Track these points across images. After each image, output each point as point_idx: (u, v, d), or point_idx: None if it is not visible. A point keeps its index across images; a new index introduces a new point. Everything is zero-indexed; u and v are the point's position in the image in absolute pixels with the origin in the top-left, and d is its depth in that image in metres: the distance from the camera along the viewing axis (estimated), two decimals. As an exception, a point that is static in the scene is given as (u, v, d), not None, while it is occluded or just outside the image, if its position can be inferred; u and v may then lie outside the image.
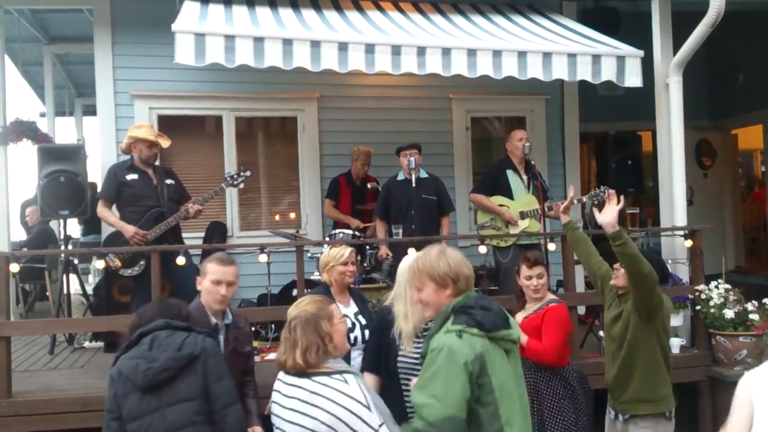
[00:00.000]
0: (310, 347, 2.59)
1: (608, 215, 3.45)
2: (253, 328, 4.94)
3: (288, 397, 2.58)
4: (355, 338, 3.79)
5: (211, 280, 3.42)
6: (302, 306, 2.72)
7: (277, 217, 7.40)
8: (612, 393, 3.81)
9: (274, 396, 2.68)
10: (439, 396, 2.40)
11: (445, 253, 2.68)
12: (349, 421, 2.48)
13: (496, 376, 2.48)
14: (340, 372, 2.60)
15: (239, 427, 2.93)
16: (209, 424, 2.85)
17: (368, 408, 2.53)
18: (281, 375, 2.69)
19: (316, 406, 2.49)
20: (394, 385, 3.35)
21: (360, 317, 3.93)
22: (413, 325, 3.30)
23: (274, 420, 2.67)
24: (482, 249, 5.50)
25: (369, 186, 6.61)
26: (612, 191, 3.81)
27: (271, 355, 5.48)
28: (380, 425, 2.54)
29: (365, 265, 5.92)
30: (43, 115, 10.80)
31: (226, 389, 2.90)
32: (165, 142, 5.57)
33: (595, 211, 3.60)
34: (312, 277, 5.96)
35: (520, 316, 4.08)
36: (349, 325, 3.69)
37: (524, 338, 3.82)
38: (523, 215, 5.83)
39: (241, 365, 3.53)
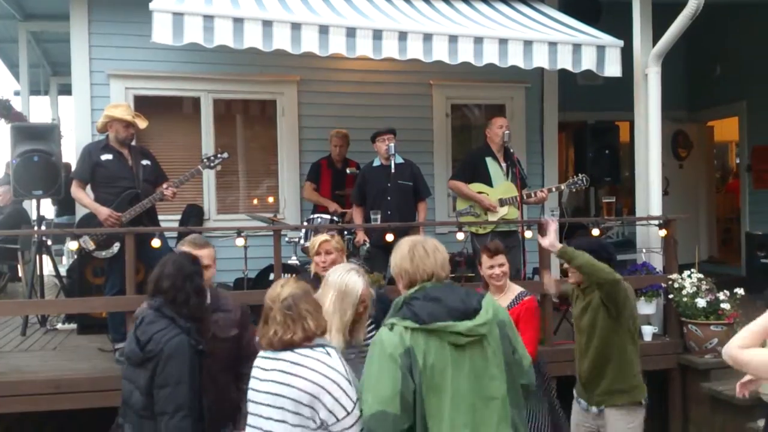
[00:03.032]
0: (319, 318, 2.68)
1: (547, 239, 3.76)
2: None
3: (267, 370, 2.61)
4: None
5: None
6: (290, 285, 2.74)
7: (255, 201, 7.36)
8: (585, 386, 3.85)
9: (255, 373, 2.69)
10: (370, 391, 2.44)
11: (397, 249, 2.75)
12: (332, 390, 2.51)
13: (426, 371, 2.44)
14: (322, 345, 2.65)
15: None
16: (152, 419, 2.89)
17: (349, 381, 2.56)
18: (261, 353, 2.71)
19: (298, 376, 2.52)
20: None
21: None
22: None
23: (252, 396, 2.66)
24: (460, 236, 5.54)
25: (348, 171, 6.58)
26: (547, 220, 3.98)
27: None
28: (357, 400, 2.56)
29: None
30: (17, 93, 10.60)
31: (165, 398, 2.85)
32: (142, 123, 5.50)
33: (539, 237, 3.83)
34: (289, 262, 5.95)
35: None
36: None
37: None
38: (502, 202, 5.85)
39: (226, 351, 3.38)
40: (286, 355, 2.60)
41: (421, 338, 2.47)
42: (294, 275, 3.12)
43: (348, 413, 2.51)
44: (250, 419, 2.68)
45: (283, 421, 2.53)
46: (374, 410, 2.39)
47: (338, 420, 2.49)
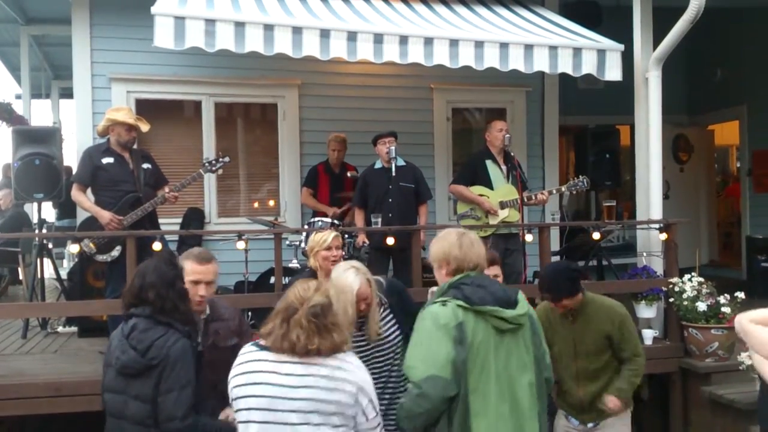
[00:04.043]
0: (342, 332, 2.67)
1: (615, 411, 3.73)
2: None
3: (301, 375, 2.53)
4: None
5: (189, 281, 3.19)
6: (322, 291, 2.69)
7: (256, 205, 7.37)
8: (584, 408, 3.82)
9: (267, 378, 2.55)
10: (422, 357, 2.58)
11: (444, 237, 2.91)
12: (369, 391, 2.59)
13: (474, 347, 2.60)
14: (344, 351, 2.69)
15: None
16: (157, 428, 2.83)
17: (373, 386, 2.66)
18: (276, 356, 2.58)
19: (345, 380, 2.54)
20: None
21: None
22: None
23: (274, 404, 2.52)
24: (461, 239, 5.52)
25: (349, 175, 6.59)
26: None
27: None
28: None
29: (343, 253, 5.91)
30: (18, 97, 10.64)
31: (173, 403, 2.80)
32: (144, 126, 5.50)
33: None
34: (290, 265, 5.95)
35: None
36: None
37: None
38: (502, 205, 5.85)
39: (226, 360, 3.15)
40: (326, 360, 2.55)
41: (471, 317, 2.64)
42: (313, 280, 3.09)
43: (377, 413, 2.60)
44: (264, 429, 2.54)
45: (325, 424, 2.52)
46: (428, 374, 2.54)
47: (368, 419, 2.57)
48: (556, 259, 6.81)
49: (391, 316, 3.50)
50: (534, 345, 2.79)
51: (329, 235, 3.99)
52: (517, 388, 2.68)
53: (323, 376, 2.53)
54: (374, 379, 3.33)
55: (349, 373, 2.57)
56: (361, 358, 3.25)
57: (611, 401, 3.68)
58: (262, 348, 2.62)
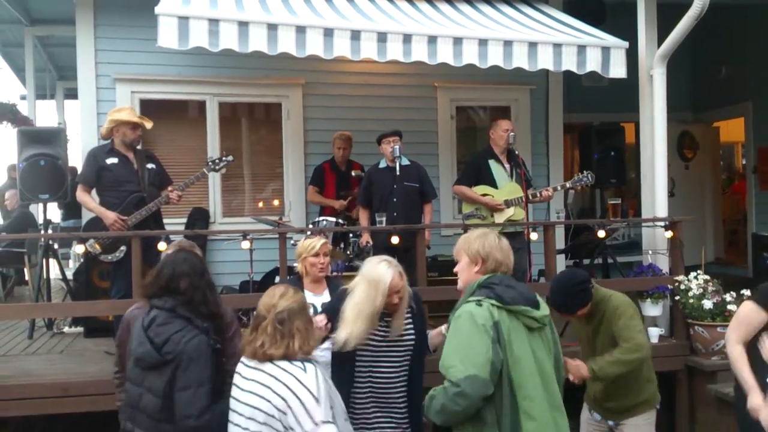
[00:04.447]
0: (308, 337, 2.67)
1: (574, 376, 3.49)
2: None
3: (248, 379, 2.64)
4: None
5: None
6: (288, 296, 2.71)
7: (261, 204, 7.37)
8: (600, 404, 3.82)
9: (235, 379, 2.73)
10: (461, 356, 2.60)
11: (485, 236, 2.95)
12: (296, 409, 2.53)
13: (511, 345, 2.65)
14: (302, 360, 2.63)
15: None
16: (171, 422, 2.81)
17: (317, 400, 2.56)
18: (244, 359, 2.73)
19: (272, 390, 2.55)
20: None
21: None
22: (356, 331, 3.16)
23: (234, 405, 2.70)
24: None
25: (354, 173, 6.59)
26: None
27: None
28: (324, 422, 2.55)
29: (348, 253, 5.92)
30: (23, 97, 10.68)
31: (189, 400, 2.76)
32: (148, 124, 5.52)
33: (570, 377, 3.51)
34: (294, 265, 5.94)
35: None
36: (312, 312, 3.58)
37: None
38: (507, 203, 5.83)
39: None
40: (266, 366, 2.61)
41: (504, 316, 2.70)
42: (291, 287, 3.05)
43: (316, 425, 2.53)
44: (230, 428, 2.70)
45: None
46: (468, 373, 2.56)
47: None
48: (561, 257, 6.81)
49: (411, 323, 3.44)
50: (554, 343, 2.88)
51: (318, 242, 3.97)
52: (550, 383, 2.75)
53: (260, 383, 2.58)
54: (373, 378, 3.30)
55: (280, 384, 2.55)
56: (374, 353, 3.26)
57: (573, 363, 3.44)
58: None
